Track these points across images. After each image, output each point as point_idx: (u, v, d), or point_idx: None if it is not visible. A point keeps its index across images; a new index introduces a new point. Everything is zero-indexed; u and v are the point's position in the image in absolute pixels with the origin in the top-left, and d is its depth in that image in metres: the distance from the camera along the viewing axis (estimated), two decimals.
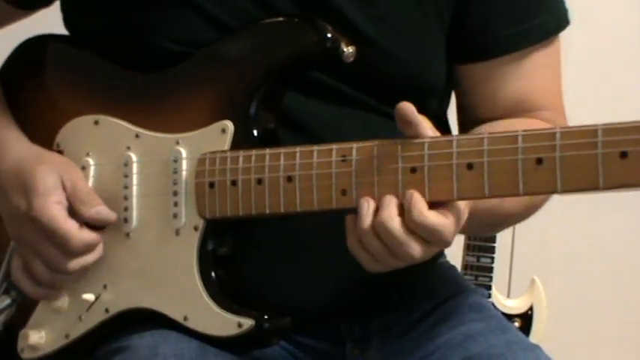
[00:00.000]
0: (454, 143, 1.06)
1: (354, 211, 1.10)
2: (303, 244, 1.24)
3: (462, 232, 1.15)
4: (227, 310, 1.19)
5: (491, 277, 2.16)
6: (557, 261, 2.51)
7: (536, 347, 1.28)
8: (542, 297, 2.25)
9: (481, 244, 2.14)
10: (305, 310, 1.24)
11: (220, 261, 1.22)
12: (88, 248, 1.21)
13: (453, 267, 1.45)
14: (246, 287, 1.23)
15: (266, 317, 1.18)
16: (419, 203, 1.04)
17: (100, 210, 1.22)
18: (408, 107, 1.06)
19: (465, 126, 1.34)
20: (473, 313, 1.32)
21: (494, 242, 2.16)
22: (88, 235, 1.21)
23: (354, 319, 1.31)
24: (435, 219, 1.04)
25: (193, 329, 1.20)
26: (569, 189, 1.02)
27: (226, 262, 1.22)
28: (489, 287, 2.17)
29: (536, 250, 2.50)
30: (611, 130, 0.99)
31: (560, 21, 1.32)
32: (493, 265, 2.16)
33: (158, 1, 1.25)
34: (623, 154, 0.98)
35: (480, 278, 2.16)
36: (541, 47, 1.30)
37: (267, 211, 1.15)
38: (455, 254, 2.05)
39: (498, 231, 1.26)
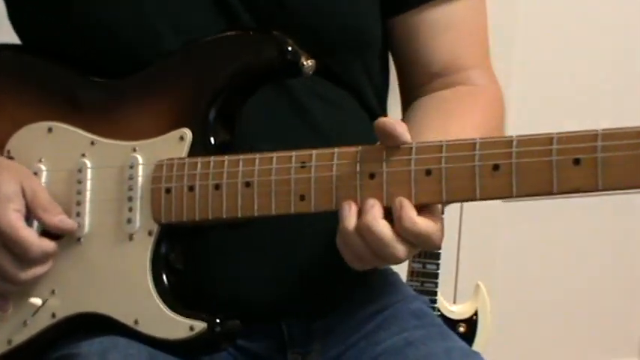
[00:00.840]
0: (413, 150, 1.07)
1: (312, 215, 1.12)
2: (251, 246, 1.25)
3: None
4: (179, 314, 1.19)
5: (436, 284, 2.17)
6: (501, 267, 2.53)
7: (476, 354, 1.30)
8: (486, 302, 2.26)
9: (427, 251, 2.15)
10: (251, 308, 1.25)
11: (173, 266, 1.22)
12: (46, 257, 1.21)
13: (395, 274, 1.45)
14: (197, 291, 1.23)
15: (218, 321, 1.18)
16: (409, 210, 1.05)
17: (63, 219, 1.21)
18: (388, 121, 1.08)
19: (407, 96, 1.36)
20: (414, 320, 1.33)
21: (440, 249, 2.16)
22: (47, 244, 1.20)
23: (298, 318, 1.31)
24: (425, 226, 1.05)
25: (144, 333, 1.20)
26: (524, 194, 1.04)
27: (179, 267, 1.22)
28: (435, 293, 2.18)
29: (480, 257, 2.51)
30: (565, 138, 1.02)
31: None
32: (438, 272, 2.16)
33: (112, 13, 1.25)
34: (576, 161, 1.01)
35: (426, 284, 2.17)
36: (471, 1, 1.33)
37: (225, 216, 1.15)
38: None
39: None
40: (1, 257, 1.19)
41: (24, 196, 1.21)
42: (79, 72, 1.27)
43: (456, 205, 2.40)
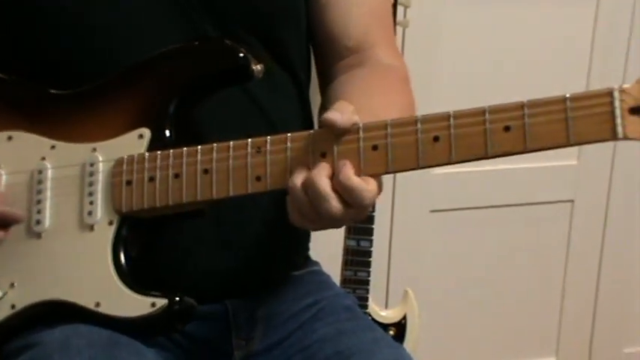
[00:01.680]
0: (361, 129, 1.13)
1: (267, 194, 1.17)
2: (201, 235, 1.30)
3: None
4: (140, 293, 1.22)
5: (367, 290, 2.16)
6: (429, 273, 2.55)
7: (400, 346, 1.36)
8: (414, 307, 2.28)
9: (358, 259, 2.14)
10: (199, 290, 1.27)
11: (132, 252, 1.25)
12: None
13: (327, 275, 1.50)
14: (153, 275, 1.25)
15: (177, 298, 1.21)
16: (348, 169, 1.10)
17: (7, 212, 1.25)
18: (330, 115, 1.12)
19: (325, 75, 1.41)
20: (346, 313, 1.39)
21: (370, 257, 2.17)
22: None
23: (240, 300, 1.35)
24: (358, 182, 1.09)
25: (106, 314, 1.22)
26: (461, 159, 1.11)
27: (137, 253, 1.26)
28: (367, 299, 2.17)
29: (410, 264, 2.53)
30: (496, 109, 1.10)
31: None
32: (369, 279, 2.15)
33: (77, 26, 1.28)
34: (507, 128, 1.09)
35: (358, 291, 2.14)
36: None
37: (185, 200, 1.19)
38: (334, 268, 2.08)
39: None
40: None
41: None
42: (39, 85, 1.30)
43: (386, 217, 2.46)
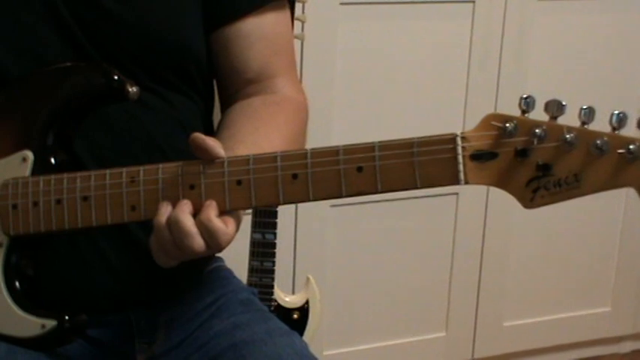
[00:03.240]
0: (225, 164, 1.08)
1: (143, 223, 1.11)
2: (95, 248, 1.23)
3: None
4: (31, 314, 1.17)
5: (273, 278, 2.16)
6: (330, 261, 2.53)
7: (293, 333, 1.31)
8: (315, 293, 2.26)
9: (264, 251, 2.14)
10: (100, 302, 1.24)
11: (24, 272, 1.20)
12: None
13: (228, 269, 1.46)
14: (48, 292, 1.21)
15: (66, 317, 1.17)
16: (211, 210, 1.06)
17: None
18: (198, 136, 1.08)
19: (225, 102, 1.36)
20: (241, 307, 1.34)
21: (275, 248, 2.16)
22: None
23: (145, 309, 1.30)
24: (218, 226, 1.06)
25: (1, 333, 1.18)
26: (318, 198, 1.06)
27: (30, 272, 1.20)
28: (272, 287, 2.17)
29: (313, 253, 2.51)
30: (349, 149, 1.04)
31: None
32: (274, 268, 2.16)
33: None
34: (359, 169, 1.04)
35: (264, 279, 2.15)
36: (276, 9, 1.33)
37: (67, 227, 1.14)
38: (242, 259, 2.06)
39: None
40: None
41: None
42: None
43: (292, 211, 2.43)
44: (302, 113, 1.36)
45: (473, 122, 2.25)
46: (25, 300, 1.19)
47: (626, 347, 3.04)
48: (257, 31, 1.32)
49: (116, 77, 1.16)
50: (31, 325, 1.17)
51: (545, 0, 2.56)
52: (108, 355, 1.30)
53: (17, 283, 1.19)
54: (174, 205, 1.08)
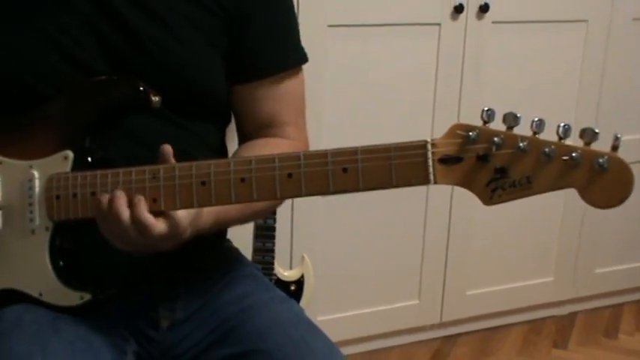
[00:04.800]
0: (231, 164, 1.08)
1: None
2: None
3: (212, 229, 1.19)
4: (72, 288, 1.19)
5: (273, 256, 2.18)
6: (320, 242, 2.52)
7: (291, 300, 1.33)
8: (309, 268, 2.28)
9: (266, 233, 2.15)
10: (129, 278, 1.25)
11: (65, 251, 1.20)
12: None
13: (236, 249, 1.45)
14: (84, 269, 1.21)
15: (99, 291, 1.19)
16: (142, 204, 1.08)
17: None
18: (164, 148, 1.10)
19: (239, 139, 1.36)
20: (247, 280, 1.35)
21: (275, 231, 2.17)
22: None
23: (165, 282, 1.30)
24: (150, 220, 1.08)
25: (47, 302, 1.19)
26: (310, 194, 1.06)
27: (70, 252, 1.21)
28: (273, 263, 2.19)
29: (307, 234, 2.50)
30: (336, 152, 1.04)
31: (302, 55, 1.34)
32: (274, 248, 2.17)
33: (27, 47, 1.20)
34: (344, 170, 1.04)
35: (266, 257, 2.17)
36: (291, 74, 1.33)
37: None
38: (246, 240, 2.08)
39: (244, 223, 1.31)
40: None
41: None
42: None
43: (289, 200, 2.42)
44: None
45: (439, 127, 2.27)
46: (67, 276, 1.20)
47: (566, 310, 3.05)
48: (271, 91, 1.31)
49: (141, 88, 1.16)
50: (71, 296, 1.19)
51: (498, 23, 2.55)
52: (137, 320, 1.29)
53: (60, 262, 1.20)
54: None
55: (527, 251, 2.88)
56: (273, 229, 2.15)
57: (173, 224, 1.10)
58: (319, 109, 2.29)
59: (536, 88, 2.66)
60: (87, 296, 1.18)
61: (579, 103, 2.75)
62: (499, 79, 2.60)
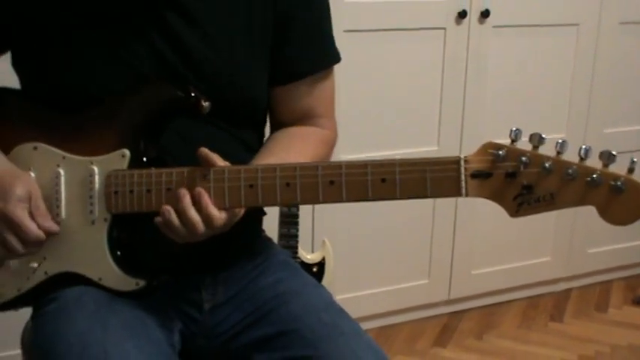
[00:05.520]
0: (277, 169, 1.09)
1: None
2: None
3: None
4: (128, 275, 1.20)
5: (297, 241, 2.12)
6: (341, 228, 2.52)
7: (321, 286, 1.33)
8: (330, 252, 2.26)
9: (289, 220, 2.11)
10: (177, 266, 1.25)
11: (122, 241, 1.21)
12: (39, 240, 1.18)
13: (269, 239, 1.46)
14: (139, 257, 1.22)
15: (153, 278, 1.20)
16: (206, 197, 1.09)
17: (52, 225, 1.19)
18: (202, 150, 1.10)
19: (272, 127, 1.34)
20: (281, 267, 1.35)
21: (298, 218, 2.15)
22: (40, 234, 1.18)
23: (208, 269, 1.30)
24: (215, 212, 1.09)
25: (106, 286, 1.20)
26: (351, 200, 1.06)
27: (126, 242, 1.21)
28: (297, 247, 2.15)
29: (328, 222, 2.50)
30: (376, 164, 1.04)
31: (336, 54, 1.33)
32: (298, 233, 2.13)
33: (93, 61, 1.20)
34: (383, 180, 1.04)
35: (291, 242, 2.11)
36: (326, 73, 1.31)
37: (154, 209, 1.14)
38: (273, 226, 2.07)
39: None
40: (11, 237, 1.16)
41: (30, 199, 1.18)
42: (53, 110, 1.23)
43: None
44: (328, 145, 1.34)
45: (446, 122, 2.24)
46: (124, 263, 1.20)
47: (561, 287, 3.05)
48: (308, 89, 1.30)
49: (193, 94, 1.16)
50: (128, 282, 1.20)
51: (498, 27, 2.55)
52: (183, 302, 1.30)
53: (118, 251, 1.20)
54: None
55: (526, 234, 2.88)
56: (297, 216, 2.12)
57: (232, 215, 1.11)
58: (335, 105, 2.27)
59: (533, 84, 2.67)
60: (142, 282, 1.19)
61: (572, 98, 2.75)
62: (499, 77, 2.60)
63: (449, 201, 2.67)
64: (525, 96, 2.64)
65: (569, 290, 3.05)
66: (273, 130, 1.34)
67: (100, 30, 1.20)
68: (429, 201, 2.63)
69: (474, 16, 2.50)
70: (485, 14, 2.50)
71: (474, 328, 2.76)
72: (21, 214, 1.15)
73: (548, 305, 2.94)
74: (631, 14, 2.75)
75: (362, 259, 2.61)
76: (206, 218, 1.09)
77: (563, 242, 2.96)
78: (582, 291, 3.05)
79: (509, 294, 2.94)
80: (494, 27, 2.54)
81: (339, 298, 2.48)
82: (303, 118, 1.32)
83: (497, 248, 2.85)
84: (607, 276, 3.12)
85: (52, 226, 1.19)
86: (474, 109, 2.59)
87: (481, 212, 2.72)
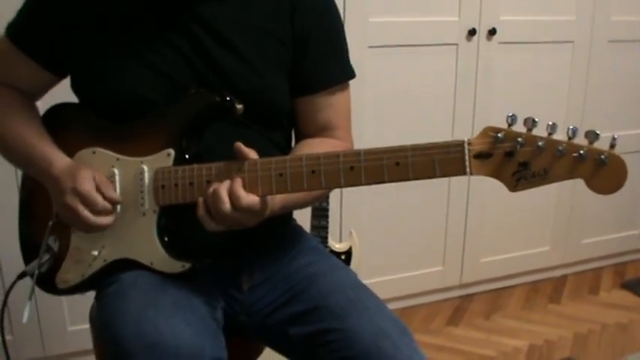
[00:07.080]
0: (303, 159, 1.06)
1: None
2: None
3: (280, 212, 1.16)
4: (175, 258, 1.17)
5: (327, 231, 2.11)
6: (366, 220, 2.49)
7: (347, 268, 1.30)
8: (356, 242, 2.21)
9: (320, 213, 2.09)
10: (218, 251, 1.23)
11: (169, 229, 1.18)
12: (106, 211, 1.16)
13: (300, 226, 1.42)
14: (185, 243, 1.19)
15: (197, 261, 1.17)
16: (239, 183, 1.06)
17: (114, 195, 1.17)
18: (237, 145, 1.08)
19: (297, 138, 1.31)
20: (312, 251, 1.32)
21: (328, 211, 2.11)
22: (107, 204, 1.16)
23: (245, 254, 1.28)
24: (242, 192, 1.06)
25: (157, 269, 1.18)
26: (368, 182, 1.03)
27: (172, 229, 1.19)
28: (327, 237, 2.13)
29: (354, 214, 2.46)
30: (391, 149, 1.01)
31: (351, 71, 1.29)
32: (328, 225, 2.11)
33: (142, 78, 1.18)
34: (397, 164, 1.01)
35: (321, 233, 2.11)
36: (342, 88, 1.28)
37: (197, 200, 1.11)
38: (305, 219, 2.01)
39: (305, 207, 1.27)
40: (82, 208, 1.14)
41: (94, 178, 1.16)
42: (107, 120, 1.20)
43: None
44: None
45: (459, 127, 2.18)
46: (171, 249, 1.18)
47: (559, 273, 3.00)
48: (325, 101, 1.26)
49: (228, 98, 1.14)
50: (175, 265, 1.17)
51: (504, 43, 2.52)
52: (224, 283, 1.27)
53: (165, 238, 1.18)
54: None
55: (528, 227, 2.84)
56: (327, 209, 2.10)
57: (263, 202, 1.08)
58: (360, 115, 2.27)
59: (534, 93, 2.65)
60: (187, 265, 1.16)
61: (569, 104, 2.73)
62: (505, 88, 2.58)
63: (461, 198, 2.64)
64: (528, 103, 2.61)
65: (565, 276, 3.01)
66: (297, 140, 1.32)
67: (147, 51, 1.18)
68: (443, 198, 2.60)
69: (482, 33, 2.48)
70: (492, 32, 2.48)
71: (482, 309, 2.72)
72: (89, 187, 1.15)
73: (547, 289, 2.90)
74: (619, 33, 2.75)
75: (384, 248, 2.58)
76: (235, 199, 1.06)
77: (561, 234, 2.92)
78: (577, 276, 3.02)
79: (513, 279, 2.91)
80: (500, 43, 2.52)
81: (365, 283, 2.44)
82: (323, 129, 1.28)
83: (503, 239, 2.81)
84: (598, 263, 3.09)
85: (114, 195, 1.17)
86: (483, 114, 2.57)
87: (489, 207, 2.69)
